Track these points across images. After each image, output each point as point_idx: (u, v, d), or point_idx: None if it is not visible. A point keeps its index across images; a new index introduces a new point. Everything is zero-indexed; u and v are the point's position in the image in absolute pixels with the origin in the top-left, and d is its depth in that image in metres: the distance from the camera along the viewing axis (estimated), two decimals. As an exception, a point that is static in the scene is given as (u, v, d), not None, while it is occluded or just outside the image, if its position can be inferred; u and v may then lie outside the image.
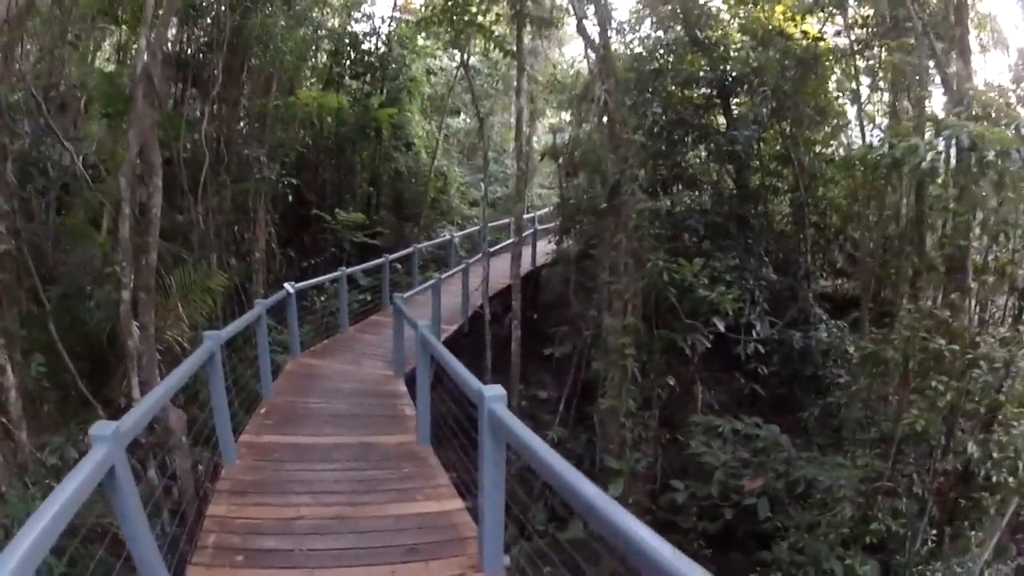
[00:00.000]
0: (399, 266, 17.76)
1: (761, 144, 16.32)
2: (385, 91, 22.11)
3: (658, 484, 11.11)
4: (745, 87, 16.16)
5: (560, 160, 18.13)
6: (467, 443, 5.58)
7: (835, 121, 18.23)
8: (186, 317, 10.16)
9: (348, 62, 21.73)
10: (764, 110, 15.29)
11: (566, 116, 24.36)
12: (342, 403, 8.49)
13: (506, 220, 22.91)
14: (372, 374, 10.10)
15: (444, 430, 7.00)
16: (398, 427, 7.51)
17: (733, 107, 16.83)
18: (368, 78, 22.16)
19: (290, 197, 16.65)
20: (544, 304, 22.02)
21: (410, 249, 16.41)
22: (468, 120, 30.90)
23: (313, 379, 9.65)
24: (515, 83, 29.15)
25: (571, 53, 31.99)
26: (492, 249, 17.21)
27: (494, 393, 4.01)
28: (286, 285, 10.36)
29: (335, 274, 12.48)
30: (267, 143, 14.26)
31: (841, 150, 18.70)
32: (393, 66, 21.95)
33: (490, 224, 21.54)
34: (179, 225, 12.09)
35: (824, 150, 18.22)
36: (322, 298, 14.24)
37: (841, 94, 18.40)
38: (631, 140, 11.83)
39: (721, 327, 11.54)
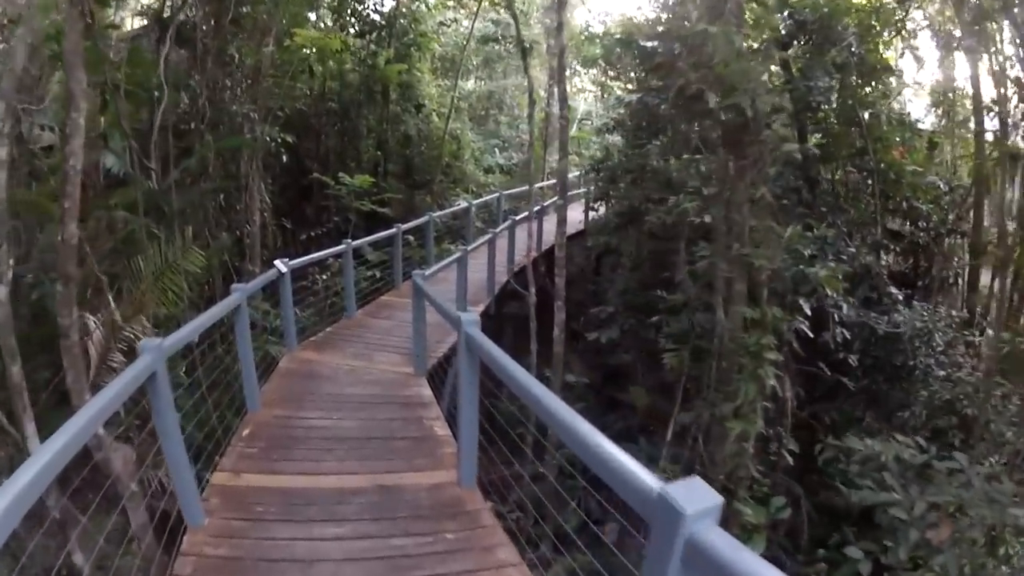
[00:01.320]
0: (411, 238, 15.75)
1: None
2: (393, 49, 19.95)
3: (805, 538, 9.17)
4: (808, 37, 13.98)
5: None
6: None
7: (893, 81, 16.18)
8: (155, 306, 8.22)
9: (352, 18, 19.52)
10: (835, 61, 13.14)
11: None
12: (350, 418, 6.51)
13: (525, 187, 20.87)
14: (387, 372, 8.12)
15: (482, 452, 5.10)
16: (429, 456, 5.54)
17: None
18: (374, 36, 20.01)
19: (284, 157, 14.58)
20: (567, 279, 20.09)
21: (424, 218, 14.36)
22: (482, 82, 28.60)
23: (313, 381, 7.68)
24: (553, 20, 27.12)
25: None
26: (517, 218, 15.11)
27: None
28: (277, 263, 8.38)
29: (339, 248, 10.49)
30: (259, 98, 12.17)
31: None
32: (402, 21, 19.75)
33: (507, 192, 19.47)
34: (153, 194, 10.08)
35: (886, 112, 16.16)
36: (324, 276, 12.26)
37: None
38: (769, 52, 9.66)
39: (808, 309, 9.49)
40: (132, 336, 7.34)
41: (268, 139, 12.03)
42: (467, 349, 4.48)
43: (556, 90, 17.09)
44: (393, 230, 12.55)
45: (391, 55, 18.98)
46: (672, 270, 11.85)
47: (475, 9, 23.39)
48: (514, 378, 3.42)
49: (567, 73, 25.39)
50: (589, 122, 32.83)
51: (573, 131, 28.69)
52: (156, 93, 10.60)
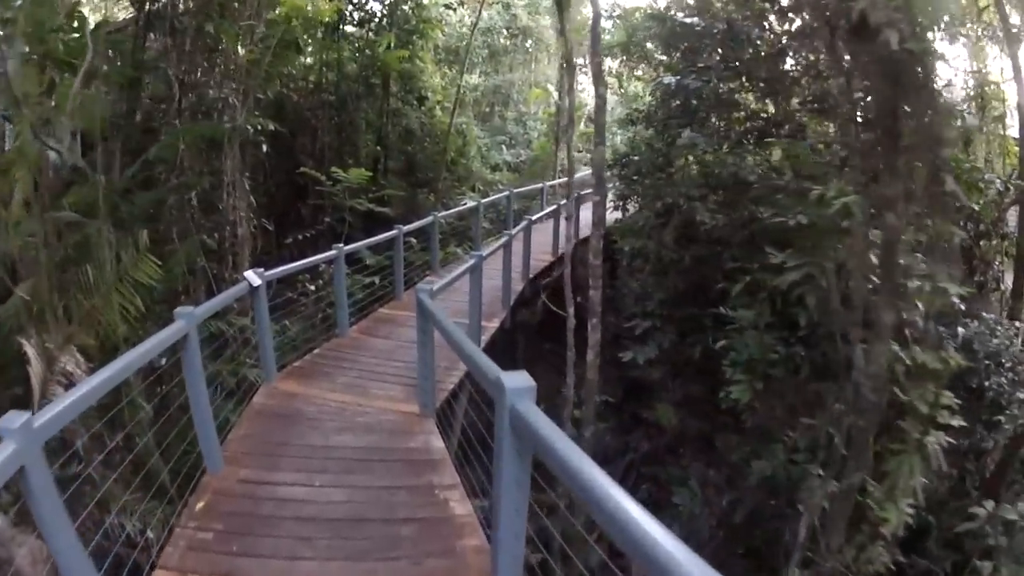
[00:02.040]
0: (414, 240, 14.21)
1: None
2: (394, 36, 18.41)
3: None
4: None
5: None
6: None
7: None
8: (100, 328, 6.70)
9: (351, 5, 17.97)
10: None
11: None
12: (337, 484, 4.93)
13: (535, 185, 19.33)
14: (386, 412, 6.55)
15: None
16: (446, 554, 3.98)
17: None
18: (373, 24, 18.48)
19: (275, 152, 13.04)
20: (580, 283, 18.59)
21: (428, 219, 12.81)
22: (486, 77, 27.02)
23: (293, 426, 6.12)
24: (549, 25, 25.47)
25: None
26: (534, 218, 13.55)
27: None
28: (248, 274, 6.83)
29: (328, 254, 8.93)
30: (238, 79, 10.61)
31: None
32: (404, 7, 18.19)
33: (517, 190, 17.93)
34: (112, 193, 8.52)
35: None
36: (313, 288, 10.71)
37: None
38: None
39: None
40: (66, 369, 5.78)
41: (250, 128, 10.40)
42: (514, 433, 2.88)
43: (566, 81, 15.70)
44: (393, 232, 10.98)
45: (392, 40, 17.41)
46: (719, 279, 10.33)
47: (480, -2, 21.81)
48: (594, 494, 2.04)
49: (578, 63, 23.86)
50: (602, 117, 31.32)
51: (580, 127, 27.17)
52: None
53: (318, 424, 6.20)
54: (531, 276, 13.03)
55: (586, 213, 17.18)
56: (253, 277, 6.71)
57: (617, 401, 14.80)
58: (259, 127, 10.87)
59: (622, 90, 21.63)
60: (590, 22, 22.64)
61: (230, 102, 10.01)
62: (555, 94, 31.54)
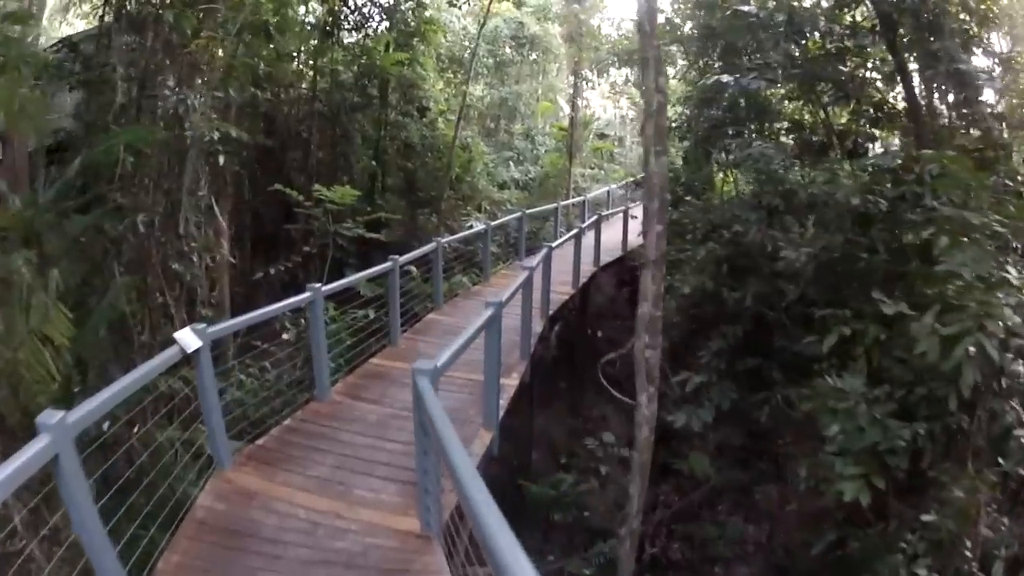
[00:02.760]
0: (414, 269, 12.40)
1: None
2: (392, 38, 16.73)
3: None
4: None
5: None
6: None
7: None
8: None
9: (346, 8, 16.28)
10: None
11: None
12: None
13: (549, 205, 17.54)
14: (375, 532, 4.65)
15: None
16: None
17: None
18: (371, 29, 16.81)
19: (240, 160, 11.30)
20: (596, 312, 16.88)
21: (431, 246, 10.97)
22: (490, 88, 25.28)
23: (242, 553, 4.26)
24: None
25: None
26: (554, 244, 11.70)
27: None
28: (181, 335, 4.96)
29: (301, 297, 7.02)
30: (203, 77, 8.81)
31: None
32: (404, 6, 16.48)
33: (529, 211, 16.11)
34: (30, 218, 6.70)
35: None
36: (286, 335, 8.86)
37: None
38: None
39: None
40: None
41: (215, 136, 8.53)
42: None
43: (574, 86, 14.06)
44: (388, 264, 9.13)
45: (390, 40, 15.70)
46: (784, 322, 8.53)
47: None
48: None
49: (582, 80, 22.08)
50: (611, 132, 29.61)
51: (590, 141, 25.46)
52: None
53: (278, 550, 4.34)
54: (550, 313, 11.18)
55: (610, 233, 15.42)
56: (189, 338, 4.86)
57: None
58: (234, 136, 8.96)
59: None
60: (601, 27, 21.16)
61: (189, 104, 8.17)
62: (565, 107, 29.97)
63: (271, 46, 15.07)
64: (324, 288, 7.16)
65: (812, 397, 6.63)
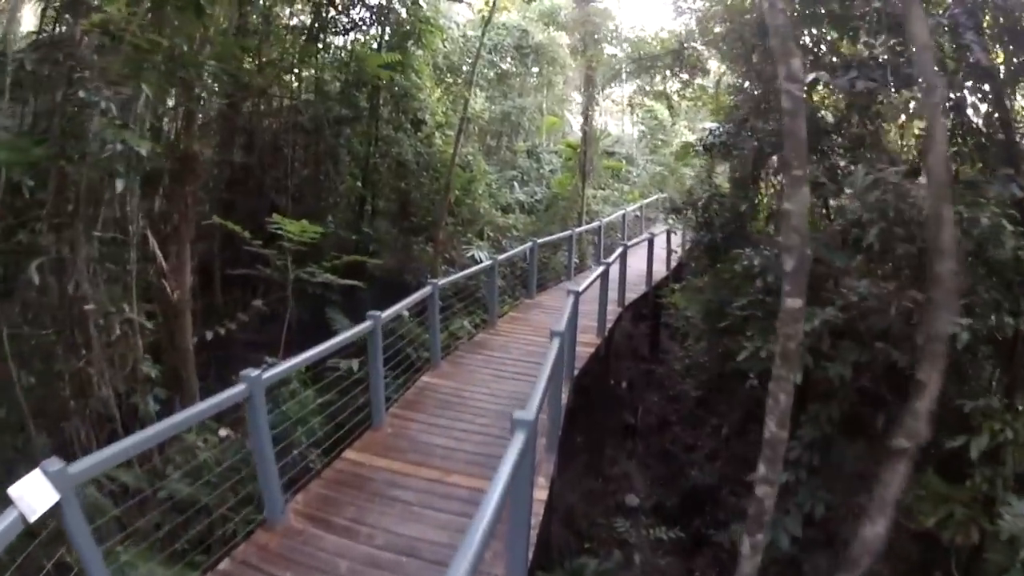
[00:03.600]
0: (405, 314, 10.20)
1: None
2: (384, 41, 14.68)
3: None
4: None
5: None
6: None
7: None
8: None
9: (333, 9, 14.24)
10: None
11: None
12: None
13: (563, 234, 15.39)
14: None
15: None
16: None
17: None
18: (362, 32, 14.78)
19: (119, 184, 9.10)
20: (614, 351, 14.80)
21: (425, 291, 8.74)
22: (492, 101, 23.15)
23: None
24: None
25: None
26: (581, 289, 9.46)
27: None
28: (17, 494, 2.81)
29: (230, 393, 4.73)
30: (136, 79, 6.63)
31: None
32: (395, 3, 14.42)
33: (541, 241, 13.93)
34: None
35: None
36: (222, 436, 6.61)
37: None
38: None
39: None
40: None
41: (141, 149, 6.29)
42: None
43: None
44: (367, 324, 6.92)
45: (380, 39, 13.64)
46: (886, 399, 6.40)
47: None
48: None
49: (596, 91, 19.97)
50: (619, 150, 27.53)
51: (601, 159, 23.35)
52: None
53: None
54: (575, 373, 9.04)
55: (632, 261, 13.24)
56: (35, 496, 2.73)
57: (673, 509, 11.77)
58: (144, 150, 6.66)
59: (685, 106, 17.55)
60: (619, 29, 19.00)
61: (104, 109, 6.01)
62: (573, 122, 27.87)
63: (248, 52, 13.13)
64: (267, 376, 4.97)
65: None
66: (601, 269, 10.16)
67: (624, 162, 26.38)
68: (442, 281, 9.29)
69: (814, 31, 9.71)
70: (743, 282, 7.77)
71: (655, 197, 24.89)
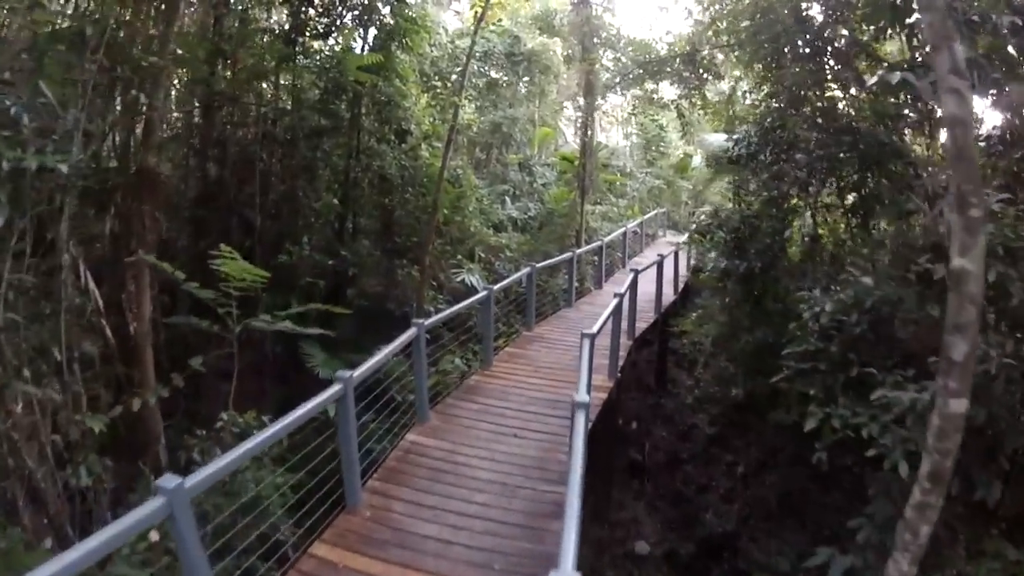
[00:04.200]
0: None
1: None
2: (366, 42, 13.33)
3: None
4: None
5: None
6: None
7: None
8: None
9: (312, 10, 12.86)
10: None
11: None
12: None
13: (563, 256, 13.97)
14: None
15: None
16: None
17: None
18: (340, 37, 13.42)
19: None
20: (621, 384, 13.53)
21: (409, 334, 7.23)
22: (481, 111, 21.73)
23: None
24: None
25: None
26: (595, 330, 7.90)
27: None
28: None
29: (149, 512, 3.29)
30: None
31: None
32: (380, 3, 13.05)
33: (539, 264, 12.45)
34: None
35: None
36: (153, 540, 5.11)
37: None
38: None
39: None
40: None
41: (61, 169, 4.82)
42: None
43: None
44: (335, 390, 5.43)
45: (357, 35, 12.29)
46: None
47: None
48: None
49: (596, 99, 18.58)
50: (618, 162, 26.18)
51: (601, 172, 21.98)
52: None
53: None
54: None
55: (642, 283, 11.79)
56: None
57: (687, 558, 10.94)
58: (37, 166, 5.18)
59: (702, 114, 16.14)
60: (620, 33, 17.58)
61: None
62: (568, 133, 26.55)
63: (222, 57, 11.81)
64: (191, 485, 3.54)
65: None
66: (615, 303, 8.73)
67: (620, 175, 25.00)
68: (429, 321, 7.78)
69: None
70: (803, 330, 6.37)
71: (654, 212, 23.59)
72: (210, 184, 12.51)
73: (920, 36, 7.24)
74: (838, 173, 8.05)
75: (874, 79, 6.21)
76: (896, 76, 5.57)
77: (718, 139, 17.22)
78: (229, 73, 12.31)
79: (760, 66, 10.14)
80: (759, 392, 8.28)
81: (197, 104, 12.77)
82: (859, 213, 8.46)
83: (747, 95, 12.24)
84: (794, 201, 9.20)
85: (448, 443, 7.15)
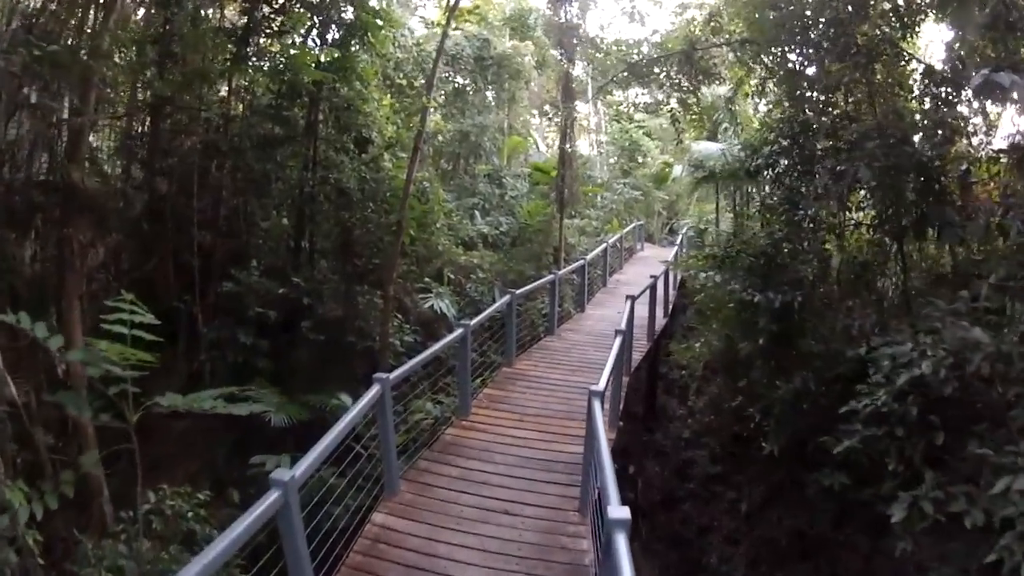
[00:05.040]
0: (346, 401, 7.27)
1: None
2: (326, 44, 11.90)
3: None
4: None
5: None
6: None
7: None
8: None
9: (266, 7, 11.41)
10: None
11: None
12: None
13: (545, 279, 12.59)
14: None
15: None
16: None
17: None
18: (296, 38, 11.97)
19: None
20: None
21: (373, 394, 5.70)
22: (448, 119, 20.32)
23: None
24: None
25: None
26: (602, 387, 6.42)
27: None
28: None
29: None
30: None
31: None
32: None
33: (519, 292, 11.00)
34: None
35: None
36: None
37: None
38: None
39: None
40: None
41: None
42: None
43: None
44: (269, 500, 3.90)
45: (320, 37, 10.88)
46: None
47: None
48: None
49: (575, 105, 17.23)
50: (593, 171, 24.99)
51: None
52: None
53: None
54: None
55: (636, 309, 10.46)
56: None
57: None
58: None
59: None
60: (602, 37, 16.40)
61: None
62: (541, 143, 25.28)
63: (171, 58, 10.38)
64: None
65: None
66: (619, 342, 7.35)
67: (595, 186, 23.74)
68: (395, 374, 6.23)
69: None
70: (874, 388, 5.07)
71: (633, 225, 22.34)
72: (156, 199, 11.02)
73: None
74: (882, 189, 6.81)
75: (977, 78, 4.99)
76: (1007, 77, 4.33)
77: (708, 147, 16.18)
78: (178, 77, 10.85)
79: (768, 65, 8.92)
80: (792, 447, 7.00)
81: (142, 111, 11.34)
82: (901, 235, 7.24)
83: (750, 98, 11.04)
84: (830, 220, 7.95)
85: (425, 526, 5.70)
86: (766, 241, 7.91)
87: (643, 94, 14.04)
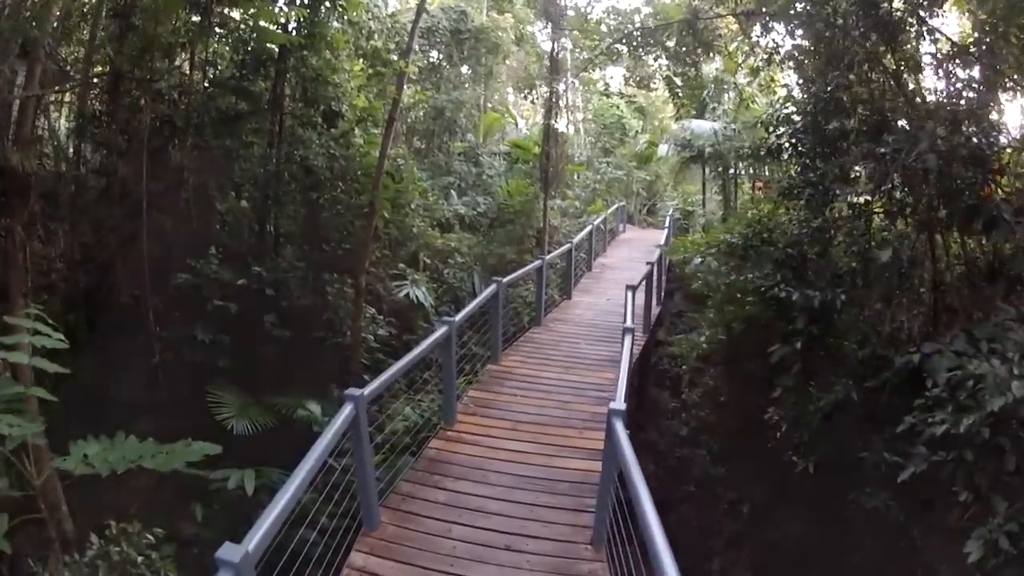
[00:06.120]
0: (315, 413, 6.31)
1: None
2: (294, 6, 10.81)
3: None
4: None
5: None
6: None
7: None
8: None
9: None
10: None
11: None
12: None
13: (532, 265, 11.63)
14: None
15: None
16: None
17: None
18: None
19: None
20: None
21: (345, 416, 4.70)
22: (423, 94, 19.19)
23: None
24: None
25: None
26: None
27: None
28: None
29: None
30: None
31: None
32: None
33: (505, 280, 9.96)
34: None
35: None
36: None
37: None
38: None
39: None
40: None
41: None
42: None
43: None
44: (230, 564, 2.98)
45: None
46: None
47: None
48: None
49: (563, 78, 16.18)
50: (575, 150, 24.09)
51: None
52: None
53: None
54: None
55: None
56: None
57: None
58: None
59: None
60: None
61: None
62: (520, 119, 24.27)
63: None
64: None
65: None
66: (628, 343, 6.45)
67: (580, 165, 22.83)
68: (370, 389, 5.21)
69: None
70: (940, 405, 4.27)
71: (616, 206, 21.44)
72: (113, 182, 9.93)
73: None
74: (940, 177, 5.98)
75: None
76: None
77: (700, 126, 15.38)
78: (136, 50, 9.79)
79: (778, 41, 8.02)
80: (826, 463, 6.20)
81: (99, 86, 10.27)
82: (943, 228, 6.43)
83: (759, 74, 10.16)
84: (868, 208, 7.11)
85: (413, 568, 4.75)
86: (799, 231, 7.03)
87: (639, 66, 13.01)
